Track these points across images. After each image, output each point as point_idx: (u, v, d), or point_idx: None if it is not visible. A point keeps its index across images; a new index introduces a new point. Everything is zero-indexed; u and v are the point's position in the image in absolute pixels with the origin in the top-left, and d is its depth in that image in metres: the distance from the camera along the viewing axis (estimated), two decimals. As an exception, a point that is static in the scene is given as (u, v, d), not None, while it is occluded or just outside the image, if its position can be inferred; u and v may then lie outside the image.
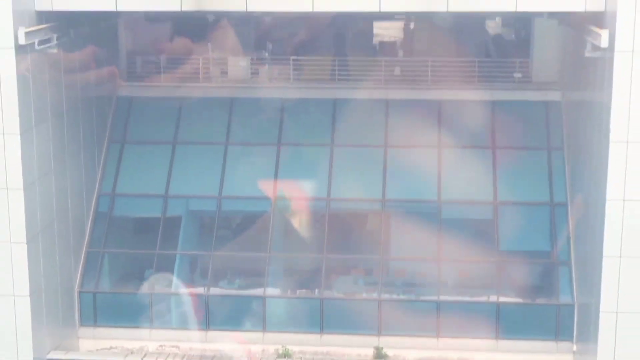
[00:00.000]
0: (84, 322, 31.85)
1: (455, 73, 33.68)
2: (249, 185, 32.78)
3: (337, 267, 32.18)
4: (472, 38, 36.20)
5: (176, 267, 31.92)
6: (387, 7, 26.78)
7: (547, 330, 30.72)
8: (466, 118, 32.87)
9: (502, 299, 30.85)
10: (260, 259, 31.83)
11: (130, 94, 34.81)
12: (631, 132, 25.86)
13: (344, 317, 31.27)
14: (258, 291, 31.44)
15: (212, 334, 31.47)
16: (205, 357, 30.93)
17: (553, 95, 33.90)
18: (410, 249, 31.92)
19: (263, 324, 31.28)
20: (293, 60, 35.04)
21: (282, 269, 32.40)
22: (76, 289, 31.61)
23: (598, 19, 26.59)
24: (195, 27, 34.95)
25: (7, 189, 27.30)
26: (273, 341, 31.06)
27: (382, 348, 30.51)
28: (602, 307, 26.92)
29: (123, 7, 27.21)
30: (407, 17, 38.53)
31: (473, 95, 33.16)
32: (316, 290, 31.51)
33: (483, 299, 31.04)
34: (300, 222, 32.71)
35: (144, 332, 31.61)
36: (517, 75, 34.50)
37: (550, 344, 30.72)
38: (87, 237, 32.42)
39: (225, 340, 31.17)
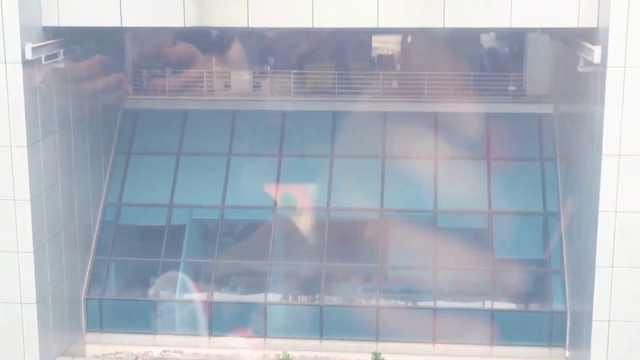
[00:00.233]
0: (90, 327, 32.02)
1: (451, 86, 33.67)
2: (251, 195, 32.91)
3: (337, 275, 32.30)
4: (468, 52, 36.09)
5: (180, 274, 32.02)
6: (385, 24, 26.79)
7: (541, 337, 30.87)
8: (462, 130, 32.92)
9: (497, 306, 30.99)
10: (262, 267, 31.97)
11: (136, 107, 34.92)
12: (623, 145, 25.98)
13: (343, 324, 31.43)
14: (259, 298, 31.60)
15: (215, 339, 31.61)
16: (208, 362, 31.19)
17: (546, 108, 34.07)
18: (407, 257, 32.04)
19: (264, 330, 31.43)
20: (294, 73, 35.12)
21: (283, 276, 32.47)
22: (83, 295, 31.76)
23: (590, 34, 26.64)
24: (199, 42, 34.97)
25: (14, 199, 27.40)
26: (274, 347, 31.14)
27: (380, 354, 30.30)
28: (594, 316, 27.02)
29: (128, 23, 27.35)
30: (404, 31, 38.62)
31: (468, 107, 33.22)
32: (316, 297, 31.64)
33: (478, 305, 31.18)
34: (300, 231, 32.80)
35: (148, 338, 31.80)
36: (511, 88, 34.54)
37: (544, 350, 30.86)
38: (93, 245, 32.55)
39: (227, 346, 31.27)
